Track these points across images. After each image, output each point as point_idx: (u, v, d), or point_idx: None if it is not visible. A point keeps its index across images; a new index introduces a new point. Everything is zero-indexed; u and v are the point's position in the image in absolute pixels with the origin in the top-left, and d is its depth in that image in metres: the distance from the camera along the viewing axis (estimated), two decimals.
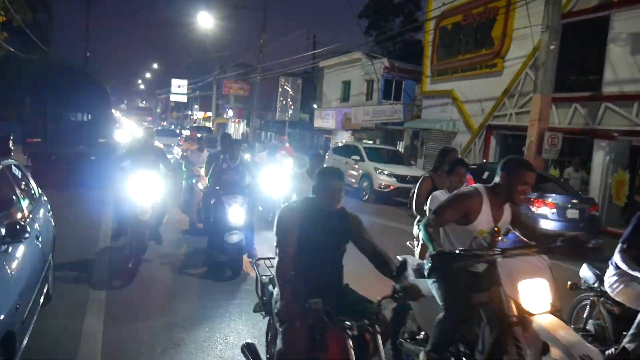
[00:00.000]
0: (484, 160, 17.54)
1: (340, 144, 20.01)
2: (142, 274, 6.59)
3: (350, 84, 28.26)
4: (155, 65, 73.71)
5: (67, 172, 14.16)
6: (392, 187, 15.13)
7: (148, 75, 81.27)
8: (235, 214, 7.04)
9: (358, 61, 26.39)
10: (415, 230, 5.77)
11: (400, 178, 15.31)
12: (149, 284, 6.44)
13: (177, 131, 38.70)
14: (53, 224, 5.67)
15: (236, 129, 48.36)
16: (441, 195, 4.98)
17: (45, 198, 5.86)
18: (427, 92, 21.30)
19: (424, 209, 5.32)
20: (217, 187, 7.27)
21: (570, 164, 13.86)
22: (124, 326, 4.99)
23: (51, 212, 5.74)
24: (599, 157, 13.73)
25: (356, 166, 16.38)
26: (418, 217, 5.62)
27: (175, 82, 54.32)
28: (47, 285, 4.98)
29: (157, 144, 14.01)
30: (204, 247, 7.69)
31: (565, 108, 14.50)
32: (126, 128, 37.67)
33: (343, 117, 27.17)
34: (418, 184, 5.74)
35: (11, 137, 11.27)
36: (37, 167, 13.59)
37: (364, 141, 23.36)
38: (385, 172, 15.40)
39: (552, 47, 12.56)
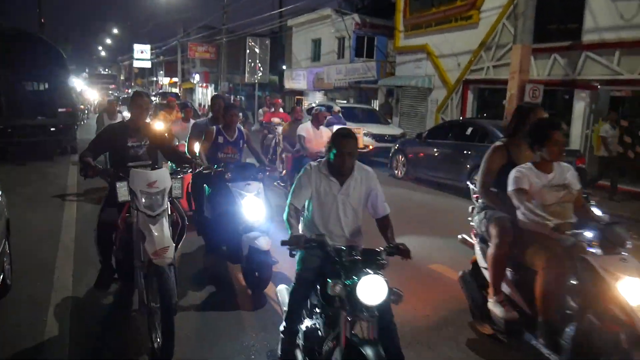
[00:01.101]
0: (461, 117, 17.21)
1: (313, 105, 19.35)
2: None
3: (320, 43, 27.39)
4: (115, 31, 70.85)
5: (24, 146, 13.33)
6: (370, 148, 14.68)
7: (109, 41, 78.22)
8: (253, 207, 5.09)
9: (328, 18, 25.51)
10: (476, 220, 4.26)
11: (379, 137, 14.86)
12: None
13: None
14: (4, 204, 5.01)
15: (204, 93, 47.04)
16: (529, 172, 3.70)
17: None
18: (400, 48, 20.67)
19: (491, 189, 4.06)
20: (226, 172, 5.35)
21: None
22: (92, 319, 4.47)
23: (1, 192, 5.06)
24: (580, 108, 13.47)
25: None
26: (479, 201, 4.31)
27: (137, 47, 52.55)
28: (1, 275, 4.42)
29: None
30: (196, 249, 6.29)
31: (544, 59, 14.11)
32: (89, 97, 36.25)
33: (315, 77, 26.41)
34: (487, 156, 4.14)
35: None
36: None
37: (337, 101, 22.75)
38: (363, 132, 14.90)
39: None
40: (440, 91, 18.51)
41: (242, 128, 6.03)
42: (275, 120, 12.85)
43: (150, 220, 3.79)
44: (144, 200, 3.86)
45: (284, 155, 10.03)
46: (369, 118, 16.69)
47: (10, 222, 5.13)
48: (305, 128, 8.26)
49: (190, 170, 4.61)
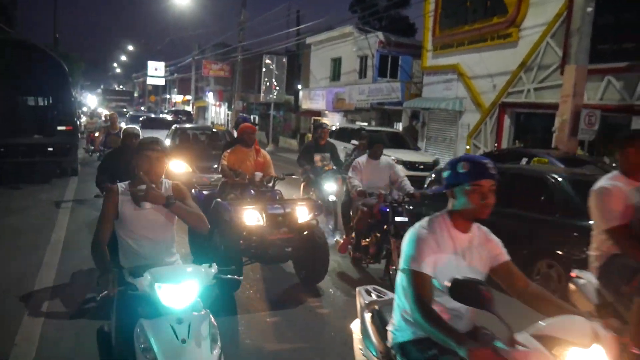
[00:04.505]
0: (496, 145, 15.75)
1: (334, 127, 18.01)
2: None
3: (340, 61, 26.16)
4: (130, 47, 70.51)
5: (18, 167, 12.09)
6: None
7: (124, 58, 77.95)
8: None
9: (349, 36, 24.28)
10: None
11: (410, 165, 13.42)
12: None
13: (170, 118, 28.56)
14: None
15: (217, 112, 46.04)
16: None
17: None
18: (428, 68, 19.33)
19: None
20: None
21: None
22: None
23: None
24: None
25: (356, 152, 14.41)
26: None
27: (151, 64, 52.06)
28: None
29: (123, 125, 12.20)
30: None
31: (596, 82, 12.65)
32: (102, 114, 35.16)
33: (334, 97, 25.12)
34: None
35: None
36: None
37: (358, 123, 21.45)
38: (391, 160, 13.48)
39: (588, 9, 10.84)
40: (472, 115, 17.09)
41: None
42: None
43: None
44: None
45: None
46: (396, 143, 15.24)
47: None
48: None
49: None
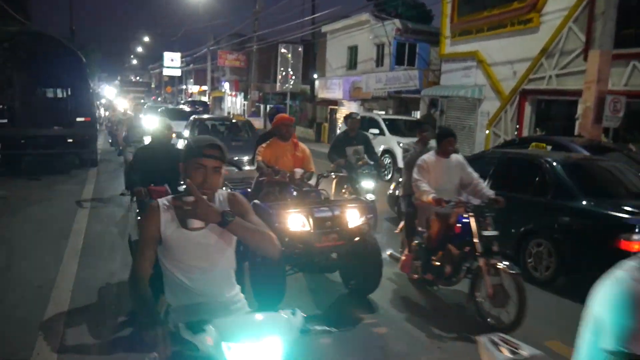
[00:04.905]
0: (516, 133, 15.48)
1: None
2: None
3: (357, 50, 25.90)
4: (146, 39, 70.71)
5: (40, 158, 12.21)
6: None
7: (140, 49, 78.26)
8: None
9: (366, 23, 24.00)
10: None
11: None
12: None
13: (188, 109, 26.32)
14: None
15: (233, 102, 46.07)
16: None
17: None
18: (446, 55, 19.03)
19: None
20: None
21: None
22: None
23: None
24: None
25: (375, 141, 14.28)
26: None
27: (167, 55, 52.12)
28: None
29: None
30: None
31: (620, 67, 12.33)
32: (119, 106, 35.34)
33: (351, 86, 24.91)
34: None
35: None
36: (2, 153, 11.61)
37: (375, 112, 21.26)
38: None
39: None
40: (492, 102, 16.81)
41: None
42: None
43: None
44: None
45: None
46: (415, 132, 15.02)
47: None
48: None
49: None
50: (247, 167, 10.17)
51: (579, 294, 5.97)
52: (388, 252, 6.14)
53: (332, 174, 7.75)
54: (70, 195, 10.10)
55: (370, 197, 7.19)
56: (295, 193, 5.31)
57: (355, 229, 4.96)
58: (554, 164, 6.38)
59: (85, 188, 10.88)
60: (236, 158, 10.08)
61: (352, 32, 25.52)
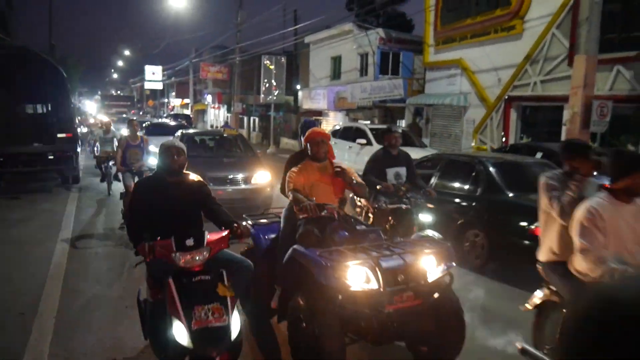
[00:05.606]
0: (504, 140, 15.47)
1: (338, 127, 17.74)
2: None
3: (340, 60, 25.87)
4: (127, 52, 70.14)
5: (18, 176, 11.86)
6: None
7: (120, 63, 77.58)
8: None
9: (349, 33, 24.00)
10: None
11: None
12: None
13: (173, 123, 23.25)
14: None
15: (216, 115, 45.77)
16: None
17: None
18: (430, 64, 19.06)
19: None
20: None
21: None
22: None
23: None
24: None
25: (362, 151, 14.19)
26: None
27: (149, 69, 51.75)
28: None
29: (153, 148, 10.32)
30: None
31: (605, 72, 12.40)
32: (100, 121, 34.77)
33: (336, 96, 24.85)
34: None
35: None
36: None
37: (360, 121, 21.19)
38: None
39: None
40: (478, 110, 16.83)
41: None
42: None
43: None
44: None
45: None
46: (403, 140, 14.92)
47: None
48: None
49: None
50: (242, 186, 9.81)
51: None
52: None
53: (388, 203, 6.02)
54: (52, 214, 9.78)
55: (431, 233, 5.73)
56: (347, 234, 4.02)
57: (434, 283, 3.69)
58: (486, 163, 7.32)
59: (68, 207, 10.56)
60: (230, 176, 9.72)
61: (336, 42, 25.50)
